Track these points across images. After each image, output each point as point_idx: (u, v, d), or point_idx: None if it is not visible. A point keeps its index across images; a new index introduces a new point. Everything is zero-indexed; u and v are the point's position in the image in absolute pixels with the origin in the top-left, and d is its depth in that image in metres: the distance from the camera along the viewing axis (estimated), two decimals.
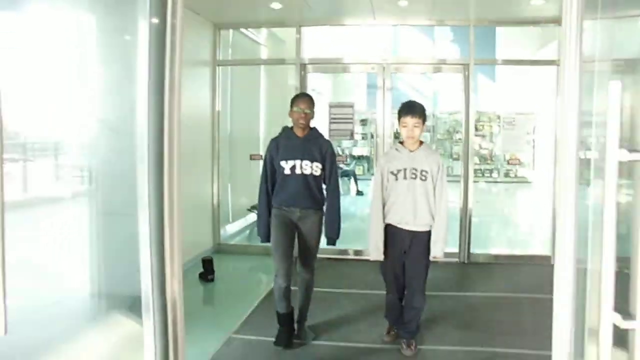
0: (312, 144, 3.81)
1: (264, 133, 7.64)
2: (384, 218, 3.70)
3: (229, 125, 7.12)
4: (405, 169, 3.63)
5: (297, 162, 3.76)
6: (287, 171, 3.76)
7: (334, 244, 3.92)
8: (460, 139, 9.39)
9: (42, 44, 3.07)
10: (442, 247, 3.64)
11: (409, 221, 3.63)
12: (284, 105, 6.72)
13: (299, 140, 3.81)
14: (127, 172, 2.77)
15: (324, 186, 3.94)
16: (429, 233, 3.66)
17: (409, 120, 3.61)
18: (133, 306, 3.15)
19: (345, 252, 6.36)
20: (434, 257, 3.66)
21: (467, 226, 6.37)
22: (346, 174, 10.41)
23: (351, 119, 6.69)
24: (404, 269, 3.72)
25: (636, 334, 1.50)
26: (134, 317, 3.14)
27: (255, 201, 4.06)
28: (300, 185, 3.76)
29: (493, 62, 7.74)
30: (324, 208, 3.90)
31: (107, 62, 3.16)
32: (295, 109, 3.81)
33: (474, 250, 6.42)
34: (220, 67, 6.82)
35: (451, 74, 6.88)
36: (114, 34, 3.08)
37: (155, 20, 2.53)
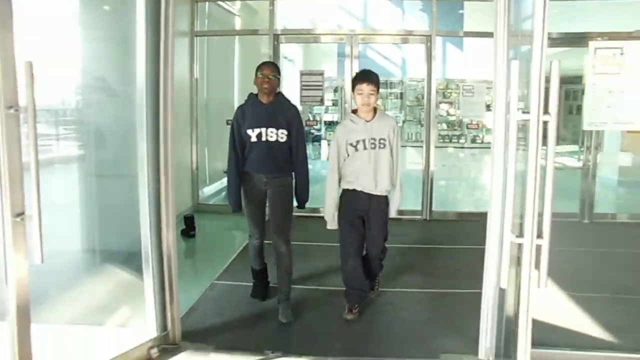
0: (277, 110, 3.77)
1: (239, 100, 7.99)
2: (343, 185, 3.76)
3: (206, 92, 7.50)
4: (364, 140, 3.64)
5: (263, 129, 3.72)
6: (254, 139, 3.73)
7: (303, 207, 3.96)
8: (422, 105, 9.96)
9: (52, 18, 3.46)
10: (396, 209, 3.87)
11: (371, 188, 3.69)
12: (253, 64, 7.14)
13: (264, 107, 3.76)
14: (127, 135, 3.20)
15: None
16: (387, 196, 3.80)
17: (365, 88, 3.58)
18: (127, 259, 3.65)
19: (317, 210, 6.88)
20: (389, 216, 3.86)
21: (428, 187, 6.92)
22: (317, 139, 10.82)
23: (321, 86, 7.13)
24: (364, 229, 3.81)
25: (524, 247, 2.03)
26: (128, 269, 3.64)
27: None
28: (266, 152, 3.74)
29: (455, 35, 8.18)
30: (293, 175, 3.90)
31: (108, 35, 3.55)
32: (259, 74, 3.75)
33: (438, 208, 6.99)
34: (198, 38, 7.16)
35: (416, 45, 7.36)
36: (114, 9, 3.45)
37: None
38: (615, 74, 2.79)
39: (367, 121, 3.65)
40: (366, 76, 3.64)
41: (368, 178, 3.67)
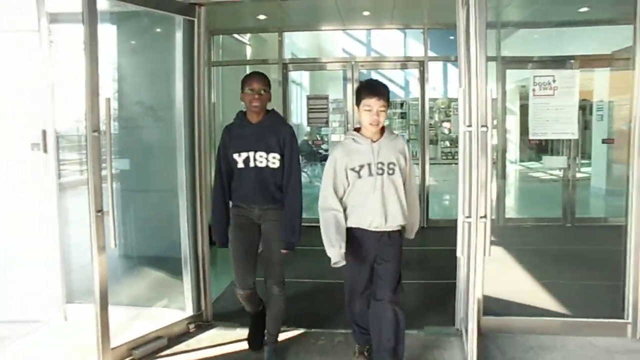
0: (267, 131, 3.22)
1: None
2: (345, 220, 3.06)
3: (222, 116, 8.32)
4: (369, 164, 2.99)
5: (251, 154, 3.20)
6: (241, 164, 3.22)
7: (292, 248, 3.26)
8: (431, 124, 10.80)
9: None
10: (414, 230, 3.32)
11: (379, 224, 3.02)
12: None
13: (252, 127, 3.23)
14: (168, 154, 3.97)
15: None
16: (400, 231, 3.16)
17: (374, 103, 2.94)
18: (166, 261, 4.38)
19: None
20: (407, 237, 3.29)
21: (425, 198, 7.66)
22: (324, 158, 11.56)
23: (326, 109, 7.95)
24: (372, 273, 3.16)
25: (471, 225, 2.78)
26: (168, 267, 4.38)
27: None
28: (255, 180, 3.22)
29: (446, 59, 8.98)
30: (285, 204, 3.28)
31: (153, 67, 4.34)
32: (247, 90, 3.20)
33: (434, 217, 7.73)
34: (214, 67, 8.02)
35: (411, 69, 8.20)
36: (158, 43, 4.25)
37: (186, 35, 3.76)
38: (550, 96, 3.57)
39: (374, 141, 3.03)
40: (375, 89, 2.99)
41: (375, 211, 3.00)
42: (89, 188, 3.05)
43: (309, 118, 8.01)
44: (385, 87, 3.04)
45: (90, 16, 3.05)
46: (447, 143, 17.06)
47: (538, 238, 6.58)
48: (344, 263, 2.97)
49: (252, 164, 3.21)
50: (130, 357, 3.41)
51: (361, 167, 3.01)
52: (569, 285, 4.47)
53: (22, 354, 3.52)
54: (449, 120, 17.13)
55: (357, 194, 3.03)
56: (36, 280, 3.97)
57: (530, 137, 3.70)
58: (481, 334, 3.60)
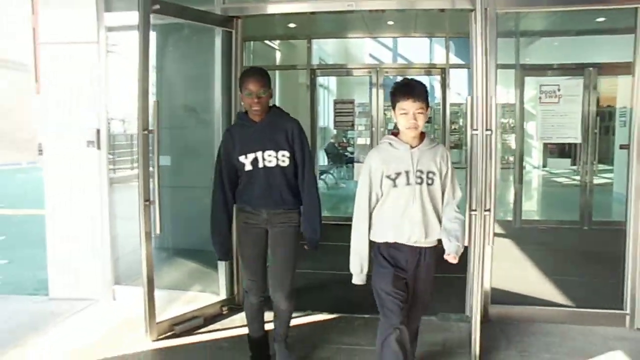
0: (273, 127, 3.06)
1: None
2: (375, 237, 2.82)
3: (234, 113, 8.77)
4: (407, 172, 2.71)
5: (259, 154, 3.02)
6: (249, 167, 3.04)
7: (315, 247, 3.17)
8: (455, 128, 11.19)
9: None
10: (459, 244, 2.80)
11: (418, 239, 2.75)
12: (296, 96, 8.41)
13: (257, 126, 3.06)
14: (205, 153, 4.39)
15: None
16: (436, 246, 2.87)
17: (410, 106, 2.67)
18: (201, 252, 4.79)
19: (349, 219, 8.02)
20: (449, 255, 2.78)
21: None
22: (350, 161, 11.86)
23: (352, 112, 8.34)
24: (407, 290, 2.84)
25: (476, 217, 3.14)
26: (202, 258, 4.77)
27: None
28: (265, 181, 3.05)
29: (466, 67, 9.28)
30: (301, 207, 3.17)
31: (195, 72, 4.77)
32: (245, 93, 3.02)
33: None
34: None
35: (434, 75, 8.55)
36: (200, 52, 4.67)
37: (224, 44, 4.17)
38: (555, 103, 3.89)
39: (413, 147, 2.75)
40: (410, 90, 2.71)
41: (415, 224, 2.72)
42: (139, 180, 3.50)
43: (335, 121, 8.43)
44: (422, 86, 2.74)
45: (144, 29, 3.50)
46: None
47: (552, 239, 6.86)
48: (363, 282, 2.85)
49: (261, 165, 3.03)
50: (172, 332, 3.83)
51: (398, 174, 2.71)
52: (575, 281, 4.78)
53: (79, 325, 3.99)
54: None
55: (392, 205, 2.75)
56: (89, 264, 4.45)
57: (541, 141, 4.04)
58: (489, 320, 3.96)
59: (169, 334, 3.81)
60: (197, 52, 4.85)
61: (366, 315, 4.04)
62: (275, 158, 3.04)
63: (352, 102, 8.48)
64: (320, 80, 9.19)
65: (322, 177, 10.63)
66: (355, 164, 11.18)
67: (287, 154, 3.04)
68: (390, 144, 2.79)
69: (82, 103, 4.35)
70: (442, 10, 4.40)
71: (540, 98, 3.97)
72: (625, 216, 3.97)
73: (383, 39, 11.01)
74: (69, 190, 4.37)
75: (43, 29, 4.29)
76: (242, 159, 3.05)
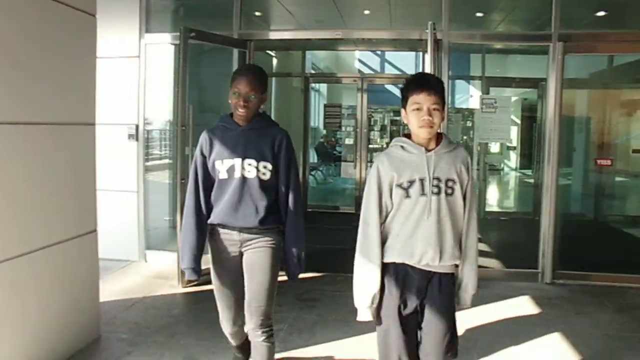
0: (259, 134, 2.68)
1: (273, 117, 10.40)
2: (383, 255, 2.34)
3: None
4: (422, 180, 2.26)
5: (237, 161, 2.62)
6: (223, 174, 2.65)
7: (296, 278, 2.81)
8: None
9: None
10: (473, 292, 2.42)
11: (431, 260, 2.30)
12: (291, 99, 9.62)
13: (240, 130, 2.68)
14: None
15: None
16: (453, 273, 2.41)
17: (424, 99, 2.25)
18: None
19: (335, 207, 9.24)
20: (462, 308, 2.46)
21: (361, 195, 9.19)
22: (338, 159, 12.86)
23: (339, 115, 9.58)
24: (418, 329, 2.39)
25: None
26: None
27: None
28: (240, 195, 2.63)
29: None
30: (280, 226, 2.74)
31: (217, 82, 5.94)
32: (233, 92, 2.65)
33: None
34: None
35: None
36: (221, 66, 5.83)
37: (240, 61, 5.35)
38: (493, 112, 5.14)
39: (429, 150, 2.32)
40: (425, 82, 2.31)
41: (428, 243, 2.28)
42: (177, 163, 4.71)
43: (325, 122, 9.65)
44: (437, 79, 2.37)
45: (184, 51, 4.71)
46: None
47: (506, 225, 8.16)
48: (370, 319, 2.38)
49: (237, 174, 2.61)
50: (196, 282, 5.01)
51: (411, 183, 2.26)
52: (511, 252, 6.06)
53: (122, 278, 5.15)
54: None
55: (403, 219, 2.29)
56: (128, 232, 5.61)
57: (478, 141, 5.27)
58: None
59: (193, 284, 4.99)
60: (219, 66, 6.02)
61: (346, 274, 5.23)
62: (255, 169, 2.61)
63: (339, 106, 9.73)
64: (313, 84, 10.44)
65: (312, 173, 11.79)
66: (342, 163, 12.39)
67: (269, 166, 2.63)
68: (402, 146, 2.33)
69: (125, 104, 5.51)
70: (419, 39, 5.45)
71: (482, 108, 5.20)
72: (542, 204, 5.23)
73: (368, 52, 12.33)
74: (116, 173, 5.51)
75: (100, 46, 5.45)
76: (217, 164, 2.65)
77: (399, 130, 17.08)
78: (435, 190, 2.26)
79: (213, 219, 2.72)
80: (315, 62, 11.46)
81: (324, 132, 12.49)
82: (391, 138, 13.95)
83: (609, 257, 5.68)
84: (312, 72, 10.56)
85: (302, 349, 3.66)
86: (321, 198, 10.66)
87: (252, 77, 2.67)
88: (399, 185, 2.28)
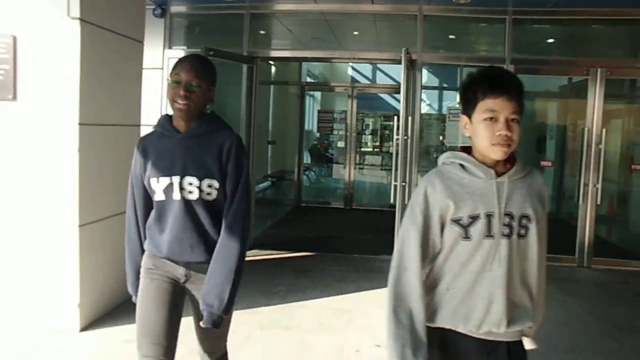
0: (203, 143, 2.13)
1: (272, 126, 11.29)
2: (427, 313, 1.70)
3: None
4: (489, 216, 1.63)
5: (175, 179, 2.09)
6: (160, 195, 2.12)
7: (215, 324, 2.07)
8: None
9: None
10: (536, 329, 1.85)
11: (495, 327, 1.67)
12: (287, 104, 10.71)
13: (179, 138, 2.14)
14: None
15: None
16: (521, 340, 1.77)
17: (502, 107, 1.60)
18: None
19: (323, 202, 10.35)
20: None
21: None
22: (330, 160, 13.65)
23: (331, 120, 10.70)
24: None
25: (398, 187, 5.44)
26: None
27: (269, 171, 6.66)
28: (183, 222, 2.12)
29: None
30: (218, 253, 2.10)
31: (228, 92, 7.00)
32: (172, 80, 2.11)
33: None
34: None
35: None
36: (233, 81, 6.89)
37: (248, 74, 6.43)
38: (457, 121, 6.25)
39: (500, 174, 1.68)
40: (504, 84, 1.63)
41: (491, 303, 1.66)
42: None
43: (318, 126, 10.78)
44: (515, 78, 1.69)
45: None
46: (440, 154, 19.57)
47: None
48: None
49: (176, 196, 2.11)
50: None
51: (473, 219, 1.64)
52: None
53: None
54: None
55: (458, 268, 1.69)
56: None
57: (447, 145, 6.35)
58: None
59: None
60: (232, 79, 7.05)
61: (334, 254, 6.33)
62: (197, 189, 2.10)
63: (332, 112, 10.85)
64: (309, 92, 11.59)
65: (306, 173, 12.75)
66: (334, 165, 13.27)
67: (215, 184, 2.12)
68: (462, 166, 1.71)
69: (151, 108, 6.55)
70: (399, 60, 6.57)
71: (448, 117, 6.30)
72: None
73: (358, 64, 13.52)
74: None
75: None
76: (153, 182, 2.13)
77: (390, 135, 18.16)
78: (506, 230, 1.64)
79: (153, 248, 2.19)
80: (311, 69, 12.60)
81: (318, 135, 13.47)
82: (382, 142, 15.08)
83: (550, 243, 6.77)
84: (308, 80, 11.74)
85: (297, 302, 4.73)
86: (314, 195, 11.72)
87: (198, 64, 2.15)
88: (456, 221, 1.65)
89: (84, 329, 3.94)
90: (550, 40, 6.87)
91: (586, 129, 6.12)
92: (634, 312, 4.76)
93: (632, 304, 4.98)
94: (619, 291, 5.38)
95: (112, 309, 4.28)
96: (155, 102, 6.59)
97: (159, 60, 6.62)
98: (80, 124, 3.84)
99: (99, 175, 4.11)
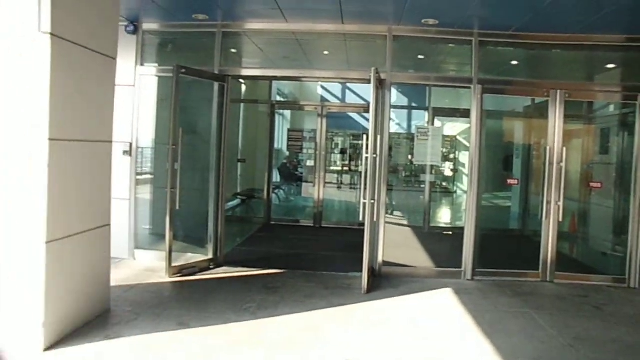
0: None
1: (243, 142, 11.47)
2: None
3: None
4: None
5: None
6: None
7: None
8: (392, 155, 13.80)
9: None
10: None
11: None
12: (257, 122, 10.73)
13: None
14: (205, 162, 6.63)
15: None
16: None
17: None
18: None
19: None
20: None
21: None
22: (300, 179, 13.85)
23: (301, 139, 10.77)
24: None
25: (367, 205, 5.52)
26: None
27: (239, 189, 7.09)
28: None
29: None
30: None
31: (200, 109, 7.01)
32: None
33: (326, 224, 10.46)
34: None
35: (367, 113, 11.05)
36: (205, 98, 6.89)
37: (219, 92, 6.47)
38: (426, 140, 6.41)
39: None
40: None
41: None
42: (169, 174, 5.74)
43: (288, 145, 10.81)
44: None
45: (176, 84, 5.81)
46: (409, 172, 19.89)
47: (447, 238, 9.43)
48: None
49: None
50: (180, 274, 6.03)
51: None
52: (445, 257, 7.28)
53: (117, 270, 6.08)
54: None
55: None
56: (120, 234, 6.57)
57: (415, 162, 6.49)
58: (381, 275, 6.33)
59: (178, 275, 6.01)
60: (202, 95, 7.07)
61: (302, 271, 6.36)
62: None
63: (302, 130, 10.93)
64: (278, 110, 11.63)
65: (276, 191, 12.80)
66: (303, 183, 13.35)
67: None
68: None
69: (121, 125, 6.51)
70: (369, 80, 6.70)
71: (417, 136, 6.45)
72: (466, 212, 6.48)
73: (328, 83, 13.68)
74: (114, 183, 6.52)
75: None
76: None
77: (357, 153, 18.41)
78: None
79: None
80: (281, 88, 12.68)
81: (287, 153, 13.54)
82: (351, 160, 15.27)
83: (517, 259, 6.98)
84: (278, 98, 11.80)
85: (268, 318, 4.73)
86: (284, 213, 11.73)
87: None
88: None
89: (48, 348, 3.86)
90: (514, 62, 7.10)
91: (548, 147, 6.34)
92: (591, 324, 4.91)
93: (590, 316, 5.13)
94: (579, 304, 5.54)
95: (80, 327, 4.22)
96: (126, 120, 6.56)
97: (131, 77, 6.60)
98: (50, 139, 3.81)
99: (69, 191, 4.07)
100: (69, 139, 4.06)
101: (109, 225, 4.73)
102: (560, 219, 6.31)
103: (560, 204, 6.25)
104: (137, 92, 6.61)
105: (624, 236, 6.68)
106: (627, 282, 6.40)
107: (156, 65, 6.85)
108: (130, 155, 6.60)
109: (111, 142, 4.73)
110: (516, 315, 5.09)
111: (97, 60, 4.42)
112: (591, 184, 7.63)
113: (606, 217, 7.83)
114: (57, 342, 3.95)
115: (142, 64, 6.67)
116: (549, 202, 6.31)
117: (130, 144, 6.59)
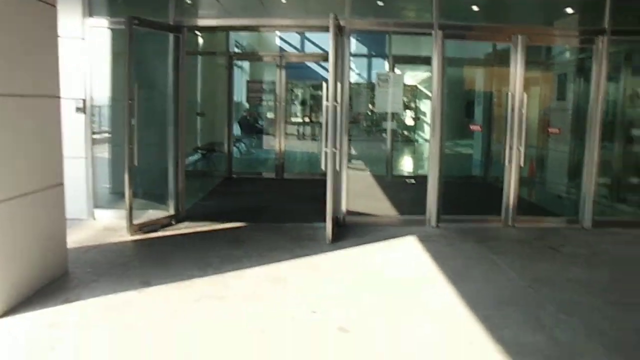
0: None
1: (201, 97, 11.19)
2: None
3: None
4: None
5: None
6: None
7: None
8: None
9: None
10: None
11: None
12: (215, 75, 10.44)
13: None
14: (161, 115, 6.42)
15: None
16: None
17: None
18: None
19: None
20: None
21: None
22: (260, 131, 13.72)
23: (260, 90, 10.56)
24: None
25: (329, 154, 5.46)
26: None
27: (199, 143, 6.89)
28: None
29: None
30: None
31: (156, 62, 6.73)
32: None
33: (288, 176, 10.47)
34: None
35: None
36: (160, 48, 6.60)
37: (174, 44, 6.22)
38: (387, 88, 6.33)
39: None
40: None
41: None
42: (126, 131, 5.53)
43: (248, 97, 10.60)
44: None
45: (130, 37, 5.55)
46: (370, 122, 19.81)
47: (410, 186, 9.51)
48: None
49: None
50: (141, 231, 5.91)
51: None
52: (407, 204, 7.35)
53: (76, 231, 5.91)
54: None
55: None
56: (78, 193, 6.36)
57: (376, 110, 6.44)
58: (345, 225, 6.34)
59: (140, 233, 5.88)
60: (159, 49, 6.77)
61: (267, 223, 6.32)
62: None
63: (261, 82, 10.70)
64: (237, 62, 11.31)
65: (236, 144, 12.60)
66: (264, 135, 13.12)
67: None
68: None
69: (73, 81, 6.21)
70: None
71: (378, 84, 6.37)
72: (428, 165, 6.51)
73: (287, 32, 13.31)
74: (65, 142, 6.26)
75: None
76: None
77: (318, 105, 18.17)
78: None
79: None
80: (239, 40, 12.28)
81: (247, 106, 13.30)
82: (311, 112, 15.10)
83: (479, 205, 7.09)
84: (236, 50, 11.42)
85: (233, 272, 4.69)
86: (245, 166, 11.62)
87: None
88: None
89: (4, 314, 3.72)
90: (475, 8, 7.01)
91: (509, 93, 6.35)
92: (549, 265, 5.07)
93: (548, 258, 5.28)
94: (538, 247, 5.70)
95: (37, 291, 4.09)
96: (77, 75, 6.25)
97: (79, 29, 6.24)
98: None
99: (13, 149, 3.86)
100: (8, 93, 3.77)
101: (62, 184, 4.54)
102: (522, 164, 6.39)
103: (522, 149, 6.32)
104: (87, 46, 6.26)
105: (578, 179, 6.86)
106: (579, 222, 6.62)
107: (108, 17, 6.47)
108: (84, 112, 6.31)
109: (58, 97, 4.48)
110: (480, 260, 5.19)
111: (35, 7, 4.11)
112: (549, 130, 7.73)
113: (562, 162, 8.02)
114: (14, 307, 3.80)
115: (90, 15, 6.29)
116: (511, 148, 6.37)
117: (84, 101, 6.30)
